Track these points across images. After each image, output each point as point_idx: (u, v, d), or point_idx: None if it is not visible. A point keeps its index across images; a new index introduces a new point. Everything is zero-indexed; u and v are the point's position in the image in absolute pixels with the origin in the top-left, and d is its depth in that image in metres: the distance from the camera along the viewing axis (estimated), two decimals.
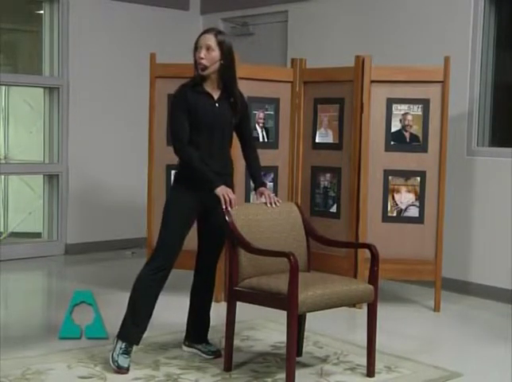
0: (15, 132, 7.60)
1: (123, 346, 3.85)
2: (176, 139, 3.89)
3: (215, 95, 3.93)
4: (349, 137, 5.36)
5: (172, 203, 3.94)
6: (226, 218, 3.78)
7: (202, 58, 3.84)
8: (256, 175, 4.11)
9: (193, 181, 3.88)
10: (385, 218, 5.34)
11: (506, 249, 5.57)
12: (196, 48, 3.88)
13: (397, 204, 5.34)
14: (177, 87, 3.98)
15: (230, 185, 3.98)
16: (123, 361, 3.82)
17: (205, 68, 3.85)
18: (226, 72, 3.89)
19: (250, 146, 4.13)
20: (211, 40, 3.85)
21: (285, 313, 3.52)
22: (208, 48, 3.84)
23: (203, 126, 3.88)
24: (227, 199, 3.80)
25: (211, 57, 3.84)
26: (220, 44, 3.86)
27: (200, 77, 3.88)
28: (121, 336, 3.87)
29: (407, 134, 5.33)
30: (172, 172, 5.16)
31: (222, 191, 3.81)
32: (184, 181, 3.92)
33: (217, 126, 3.91)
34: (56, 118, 7.10)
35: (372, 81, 5.27)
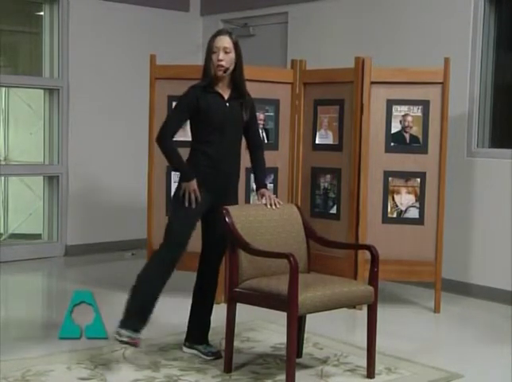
0: (15, 133, 7.58)
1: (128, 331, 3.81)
2: (163, 129, 3.96)
3: (226, 94, 3.98)
4: (349, 138, 5.35)
5: (181, 199, 3.95)
6: (227, 219, 3.79)
7: (221, 60, 3.87)
8: (259, 176, 4.13)
9: (201, 180, 3.90)
10: (386, 219, 5.34)
11: (506, 250, 5.56)
12: (211, 50, 3.90)
13: (397, 206, 5.34)
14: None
15: (236, 186, 4.05)
16: (135, 334, 3.79)
17: (226, 69, 3.90)
18: (238, 72, 3.95)
19: (256, 147, 4.16)
20: (227, 42, 3.90)
21: (285, 314, 3.52)
22: (226, 50, 3.87)
23: (214, 125, 3.92)
24: (192, 197, 3.85)
25: (230, 59, 3.90)
26: (235, 44, 3.92)
27: (216, 78, 3.91)
28: (124, 325, 3.82)
29: (407, 136, 5.33)
30: (173, 173, 5.17)
31: (188, 186, 3.86)
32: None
33: (228, 125, 3.95)
34: (55, 120, 7.10)
35: (372, 82, 5.27)
